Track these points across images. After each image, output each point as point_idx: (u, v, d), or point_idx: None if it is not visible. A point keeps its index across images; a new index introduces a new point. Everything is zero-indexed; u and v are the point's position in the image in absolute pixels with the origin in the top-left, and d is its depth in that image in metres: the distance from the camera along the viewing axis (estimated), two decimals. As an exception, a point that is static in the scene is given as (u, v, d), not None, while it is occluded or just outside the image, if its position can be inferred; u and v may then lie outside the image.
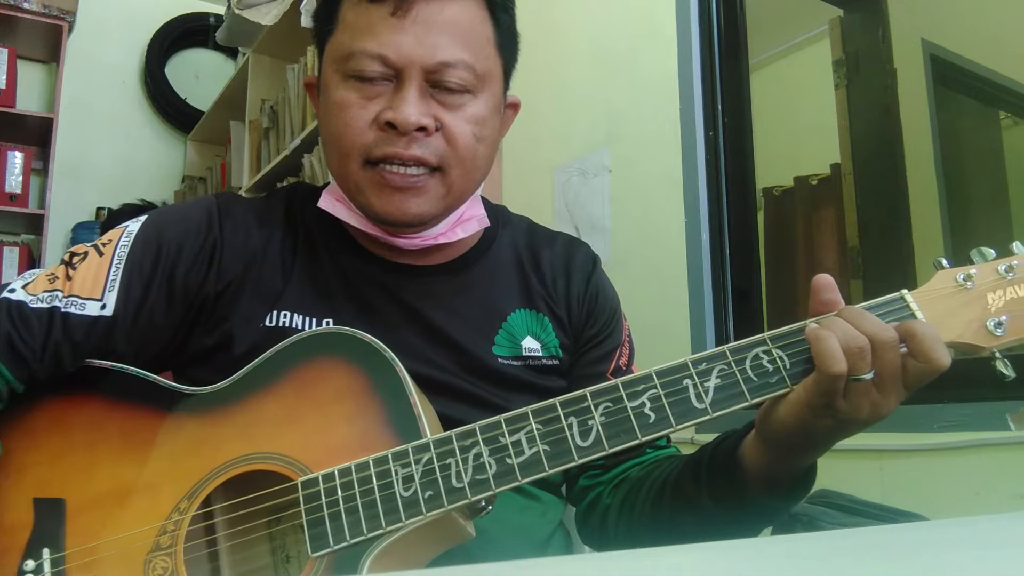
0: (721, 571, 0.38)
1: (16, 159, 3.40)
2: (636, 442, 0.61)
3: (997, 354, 0.63)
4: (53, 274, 0.76)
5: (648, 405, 0.62)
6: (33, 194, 3.53)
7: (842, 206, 1.99)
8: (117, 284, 0.76)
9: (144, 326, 0.77)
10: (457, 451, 0.62)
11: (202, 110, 3.93)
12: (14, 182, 3.38)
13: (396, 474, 0.61)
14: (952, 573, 0.37)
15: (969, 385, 1.36)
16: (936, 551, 0.44)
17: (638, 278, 1.90)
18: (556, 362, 0.87)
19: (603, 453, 0.61)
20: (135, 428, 0.69)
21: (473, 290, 0.87)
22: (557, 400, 0.63)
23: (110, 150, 3.88)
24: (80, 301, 0.74)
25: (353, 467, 0.63)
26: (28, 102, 3.58)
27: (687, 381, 0.62)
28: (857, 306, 0.64)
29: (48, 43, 3.60)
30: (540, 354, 0.85)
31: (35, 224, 3.45)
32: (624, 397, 0.62)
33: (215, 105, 3.74)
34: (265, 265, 0.82)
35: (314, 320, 0.79)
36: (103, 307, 0.75)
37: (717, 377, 0.62)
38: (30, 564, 0.63)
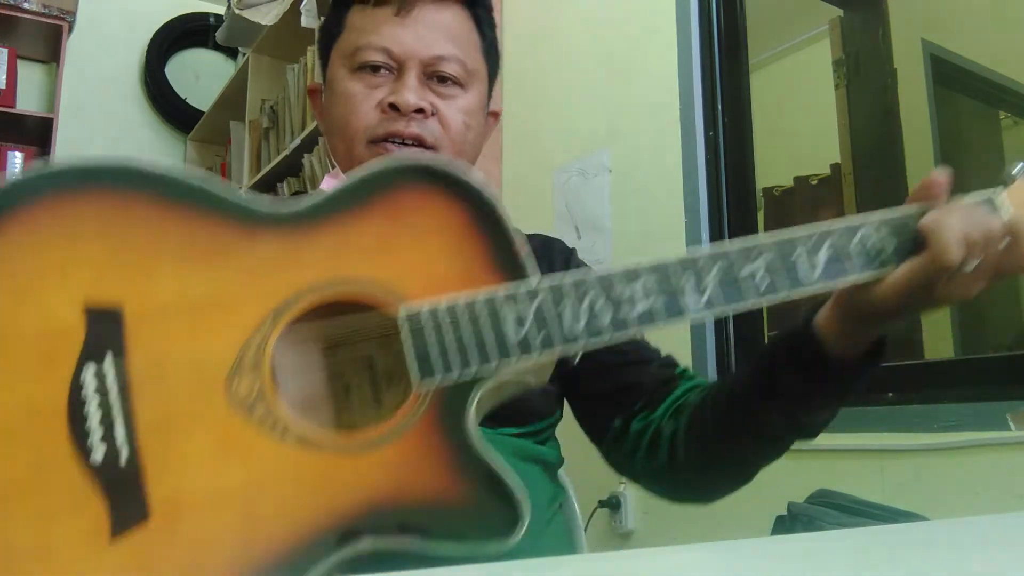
0: (721, 571, 0.38)
1: (16, 159, 3.41)
2: (746, 307, 0.61)
3: None
4: None
5: (760, 272, 0.62)
6: (33, 194, 3.53)
7: (842, 206, 1.99)
8: None
9: None
10: (571, 297, 0.59)
11: (202, 110, 3.93)
12: (14, 182, 3.38)
13: (506, 315, 0.58)
14: (952, 573, 0.37)
15: (969, 385, 1.36)
16: (936, 551, 0.44)
17: (638, 278, 1.90)
18: None
19: (714, 313, 0.61)
20: (202, 236, 0.59)
21: None
22: (673, 257, 0.62)
23: (110, 150, 3.85)
24: None
25: (461, 302, 0.58)
26: (28, 102, 3.58)
27: (800, 248, 0.63)
28: (957, 203, 0.66)
29: (48, 43, 3.59)
30: None
31: (35, 224, 3.45)
32: (736, 264, 0.62)
33: (215, 105, 3.74)
34: None
35: None
36: None
37: (827, 251, 0.63)
38: (90, 369, 0.53)
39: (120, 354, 0.54)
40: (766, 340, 1.79)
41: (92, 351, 0.54)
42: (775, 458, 0.80)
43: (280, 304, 0.58)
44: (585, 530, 1.30)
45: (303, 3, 2.63)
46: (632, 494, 1.87)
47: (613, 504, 1.88)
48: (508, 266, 0.61)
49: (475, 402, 0.57)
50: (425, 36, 0.88)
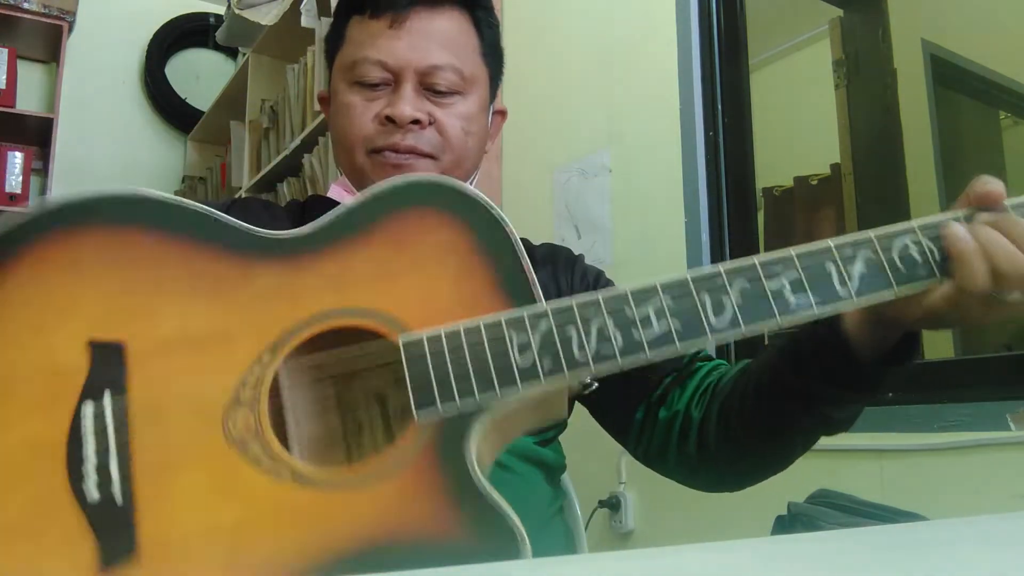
0: (721, 571, 0.38)
1: (16, 159, 3.40)
2: (775, 326, 0.57)
3: None
4: None
5: (788, 288, 0.57)
6: (33, 194, 3.53)
7: (842, 206, 1.99)
8: None
9: None
10: (579, 321, 0.56)
11: (202, 110, 3.93)
12: (14, 182, 3.38)
13: (511, 340, 0.55)
14: (952, 573, 0.37)
15: (969, 385, 1.36)
16: (936, 551, 0.44)
17: (638, 278, 1.89)
18: None
19: (738, 334, 0.56)
20: (203, 269, 0.59)
21: None
22: (688, 274, 0.58)
23: (110, 150, 3.88)
24: None
25: (463, 329, 0.56)
26: (28, 102, 3.58)
27: (830, 265, 0.58)
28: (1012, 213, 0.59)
29: (48, 43, 3.59)
30: None
31: (35, 224, 3.45)
32: (762, 277, 0.57)
33: (215, 105, 3.74)
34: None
35: None
36: None
37: (862, 262, 0.58)
38: (89, 408, 0.54)
39: (121, 391, 0.55)
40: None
41: (93, 389, 0.55)
42: (804, 450, 0.79)
43: (278, 337, 0.57)
44: (585, 530, 1.30)
45: (303, 3, 2.63)
46: (632, 494, 1.87)
47: (613, 504, 1.88)
48: (516, 290, 0.58)
49: (477, 433, 0.54)
50: (419, 46, 0.89)
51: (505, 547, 0.50)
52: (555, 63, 2.30)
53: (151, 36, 3.99)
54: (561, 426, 0.92)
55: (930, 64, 2.09)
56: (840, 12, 2.06)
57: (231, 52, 4.16)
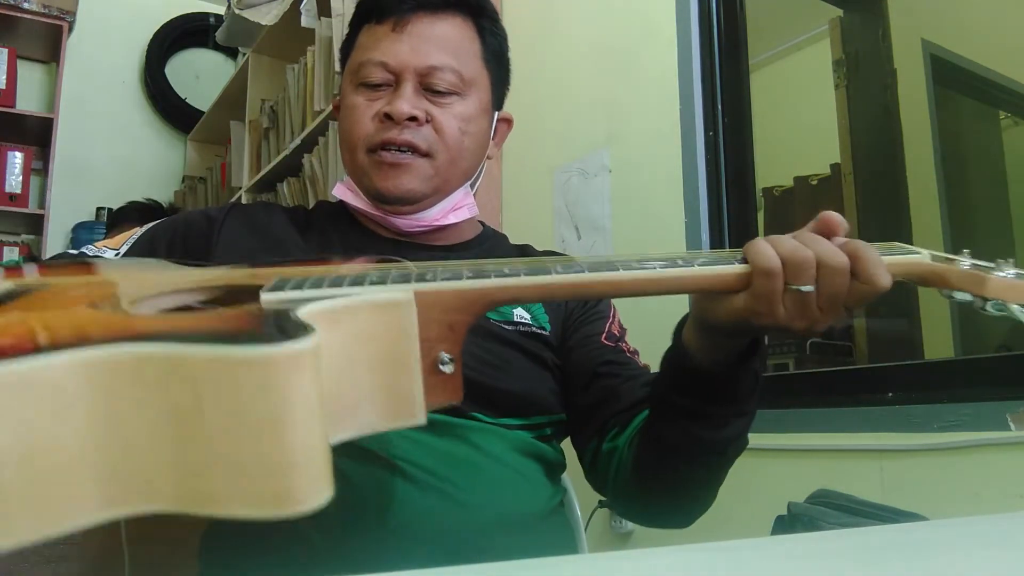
0: (721, 571, 0.38)
1: (16, 159, 3.41)
2: (616, 277, 0.59)
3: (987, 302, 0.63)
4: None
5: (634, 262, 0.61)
6: (33, 194, 3.53)
7: (842, 206, 1.99)
8: (133, 241, 0.92)
9: None
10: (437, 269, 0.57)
11: (202, 110, 3.93)
12: (14, 182, 3.39)
13: (367, 274, 0.55)
14: (952, 573, 0.37)
15: (969, 385, 1.36)
16: (936, 551, 0.44)
17: (638, 278, 1.90)
18: (545, 333, 0.93)
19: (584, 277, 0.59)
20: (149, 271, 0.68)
21: None
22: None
23: (110, 150, 3.88)
24: (105, 249, 0.90)
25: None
26: (28, 102, 3.58)
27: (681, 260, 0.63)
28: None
29: (48, 43, 3.60)
30: (530, 323, 0.93)
31: (35, 224, 3.45)
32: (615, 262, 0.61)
33: (215, 105, 3.74)
34: (270, 235, 0.94)
35: None
36: (117, 254, 0.89)
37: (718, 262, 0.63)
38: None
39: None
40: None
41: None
42: (711, 479, 0.81)
43: (174, 287, 0.58)
44: (585, 530, 1.30)
45: (303, 3, 2.63)
46: (632, 494, 1.87)
47: (613, 504, 1.88)
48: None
49: (314, 310, 0.47)
50: (419, 48, 0.93)
51: (278, 337, 0.41)
52: (555, 63, 2.30)
53: (151, 36, 4.00)
54: (561, 425, 0.93)
55: (930, 64, 2.09)
56: (840, 12, 2.07)
57: (231, 52, 4.16)
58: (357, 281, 0.53)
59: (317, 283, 0.53)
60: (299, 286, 0.53)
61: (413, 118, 0.91)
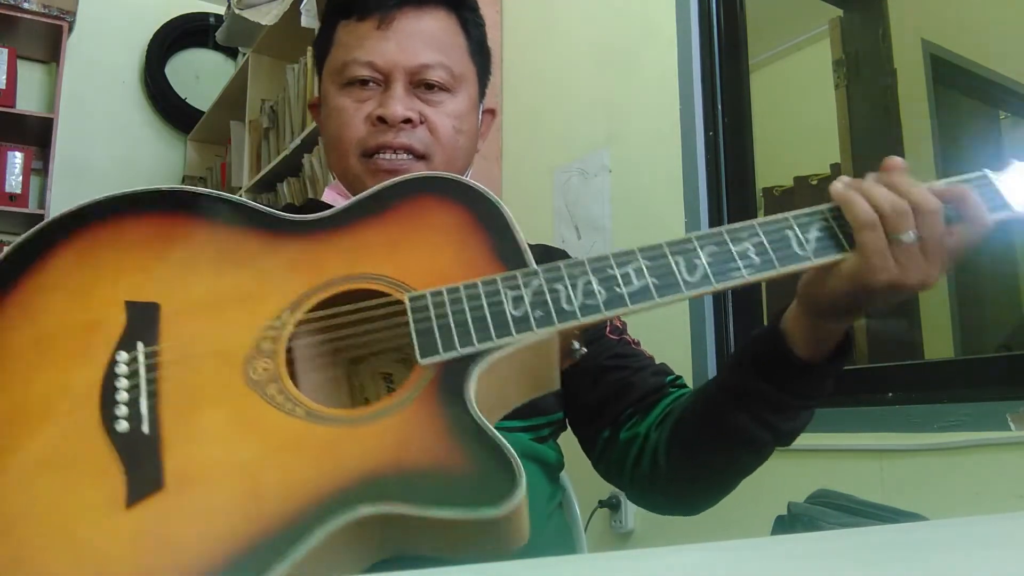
0: (721, 571, 0.38)
1: (16, 159, 3.40)
2: (742, 281, 0.63)
3: None
4: None
5: (752, 250, 0.64)
6: (33, 194, 3.53)
7: (842, 206, 1.98)
8: None
9: None
10: (566, 278, 0.62)
11: (202, 110, 3.93)
12: (14, 182, 3.38)
13: (505, 295, 0.61)
14: (952, 573, 0.37)
15: (969, 385, 1.36)
16: (936, 551, 0.44)
17: (638, 278, 1.90)
18: None
19: (710, 289, 0.63)
20: (232, 246, 0.67)
21: None
22: (663, 241, 0.64)
23: (110, 150, 3.88)
24: None
25: (462, 286, 0.62)
26: (28, 102, 3.58)
27: (788, 232, 0.65)
28: (939, 182, 0.67)
29: (48, 43, 3.59)
30: None
31: (35, 224, 3.44)
32: (728, 241, 0.64)
33: (215, 105, 3.74)
34: None
35: None
36: None
37: (818, 230, 0.65)
38: (123, 355, 0.59)
39: (153, 341, 0.60)
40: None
41: (128, 339, 0.60)
42: (754, 467, 0.81)
43: (297, 297, 0.63)
44: (585, 530, 1.30)
45: (303, 3, 2.63)
46: (632, 494, 1.87)
47: (613, 504, 1.88)
48: (510, 258, 0.64)
49: (475, 377, 0.59)
50: (408, 46, 0.90)
51: (502, 478, 0.52)
52: (555, 63, 2.30)
53: (151, 36, 4.00)
54: (559, 424, 0.93)
55: (930, 64, 2.09)
56: (840, 12, 2.07)
57: (231, 52, 4.16)
58: (502, 326, 0.60)
59: (464, 333, 0.60)
60: (448, 339, 0.60)
61: (408, 120, 0.89)
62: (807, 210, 0.66)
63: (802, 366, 0.72)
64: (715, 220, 1.84)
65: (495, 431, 0.55)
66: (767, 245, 0.64)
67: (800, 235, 0.65)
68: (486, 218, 0.67)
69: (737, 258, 0.63)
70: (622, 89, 2.07)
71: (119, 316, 0.62)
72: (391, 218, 0.68)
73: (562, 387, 0.92)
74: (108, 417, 0.56)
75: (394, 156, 0.89)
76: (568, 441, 0.95)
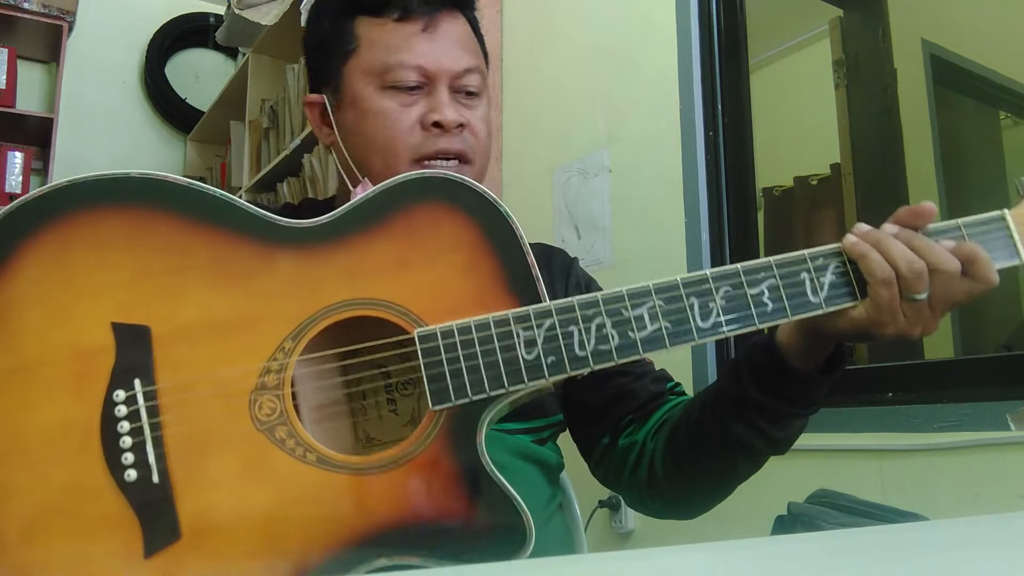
0: (721, 571, 0.38)
1: (16, 159, 3.40)
2: (753, 329, 0.63)
3: None
4: None
5: (767, 295, 0.63)
6: (33, 194, 3.52)
7: (842, 206, 1.98)
8: None
9: None
10: (580, 320, 0.61)
11: (202, 110, 3.93)
12: (14, 182, 3.38)
13: (518, 336, 0.60)
14: (952, 573, 0.37)
15: (969, 385, 1.36)
16: (936, 551, 0.44)
17: (638, 278, 1.89)
18: None
19: (721, 337, 0.62)
20: (224, 255, 0.62)
21: None
22: (679, 278, 0.64)
23: (110, 150, 3.87)
24: None
25: (473, 325, 0.60)
26: (28, 102, 3.58)
27: (804, 275, 0.64)
28: (946, 223, 0.66)
29: (48, 43, 3.59)
30: None
31: (35, 224, 3.44)
32: (744, 283, 0.63)
33: (215, 105, 3.73)
34: None
35: None
36: None
37: (832, 274, 0.65)
38: (120, 395, 0.56)
39: (149, 376, 0.58)
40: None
41: (121, 373, 0.58)
42: (749, 473, 0.82)
43: (298, 326, 0.61)
44: (585, 530, 1.30)
45: (303, 3, 2.63)
46: (632, 494, 1.87)
47: (613, 504, 1.88)
48: (521, 287, 0.63)
49: (487, 423, 0.59)
50: (452, 51, 0.90)
51: (514, 536, 0.54)
52: (555, 63, 2.30)
53: (151, 36, 3.99)
54: (558, 426, 0.93)
55: (930, 64, 2.09)
56: (840, 12, 2.07)
57: (231, 52, 4.15)
58: (514, 374, 0.60)
59: (477, 381, 0.59)
60: (460, 388, 0.59)
61: (460, 125, 0.89)
62: (824, 249, 0.66)
63: (797, 376, 0.72)
64: (715, 220, 1.84)
65: (506, 483, 0.56)
66: (782, 290, 0.64)
67: (815, 279, 0.64)
68: (497, 236, 0.63)
69: (751, 305, 0.63)
70: (622, 89, 2.07)
71: (107, 340, 0.58)
72: (395, 229, 0.64)
73: (563, 389, 0.92)
74: (114, 465, 0.55)
75: (447, 162, 0.89)
76: (568, 441, 0.95)
